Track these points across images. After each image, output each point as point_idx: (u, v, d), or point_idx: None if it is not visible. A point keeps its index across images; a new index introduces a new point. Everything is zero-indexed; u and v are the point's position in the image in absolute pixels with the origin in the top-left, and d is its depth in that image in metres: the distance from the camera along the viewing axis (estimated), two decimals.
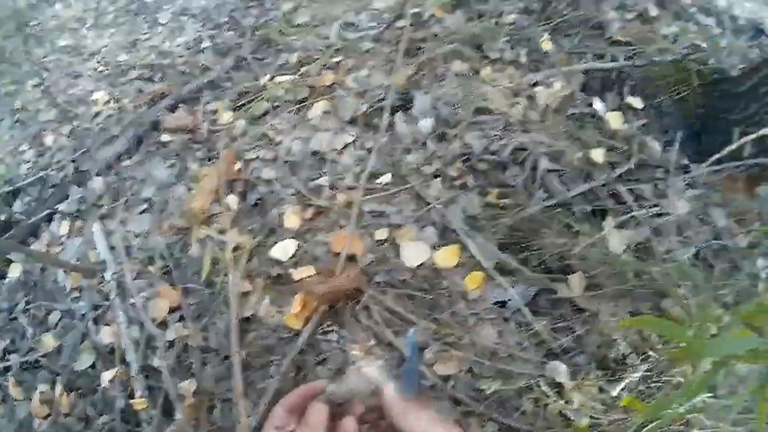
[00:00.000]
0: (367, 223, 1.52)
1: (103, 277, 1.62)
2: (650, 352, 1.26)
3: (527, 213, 1.52)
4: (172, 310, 1.50)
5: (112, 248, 1.66)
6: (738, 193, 1.71)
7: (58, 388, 1.56)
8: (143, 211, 1.70)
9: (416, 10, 2.03)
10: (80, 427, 1.50)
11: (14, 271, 1.84)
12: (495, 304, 1.39)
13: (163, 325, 1.49)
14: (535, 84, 1.82)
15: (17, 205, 2.02)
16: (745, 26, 2.35)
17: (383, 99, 1.73)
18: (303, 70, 1.88)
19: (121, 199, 1.75)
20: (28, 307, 1.76)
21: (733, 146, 1.57)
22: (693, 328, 1.09)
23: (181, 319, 1.48)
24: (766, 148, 1.63)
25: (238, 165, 1.66)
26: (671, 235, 1.52)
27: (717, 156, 1.60)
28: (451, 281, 1.42)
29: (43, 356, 1.64)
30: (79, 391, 1.55)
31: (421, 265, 1.44)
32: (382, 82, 1.78)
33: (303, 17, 2.20)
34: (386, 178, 1.59)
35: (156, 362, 1.44)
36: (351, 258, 1.46)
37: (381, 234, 1.49)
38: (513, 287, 1.39)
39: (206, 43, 2.30)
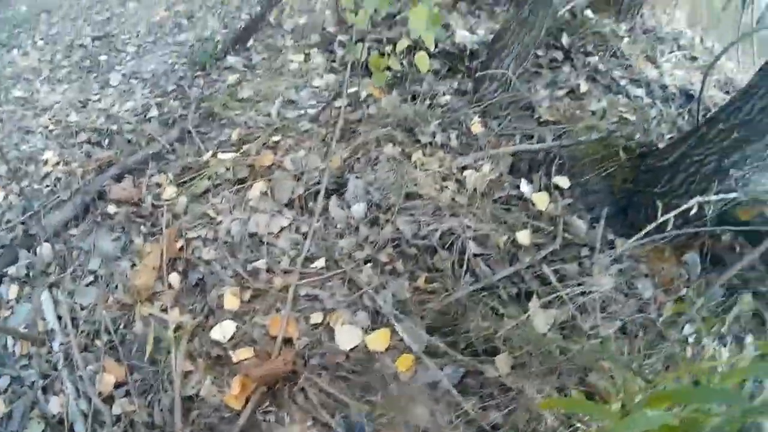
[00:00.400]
0: (303, 306, 1.68)
1: (51, 346, 1.74)
2: (578, 425, 1.35)
3: (455, 297, 1.64)
4: (118, 385, 1.62)
5: (59, 318, 1.77)
6: (665, 262, 1.83)
7: None
8: (90, 284, 1.83)
9: (354, 89, 2.19)
10: None
11: None
12: (425, 385, 1.51)
13: (110, 399, 1.60)
14: (464, 168, 1.99)
15: None
16: (675, 94, 2.54)
17: (318, 182, 1.89)
18: (244, 148, 2.03)
19: (68, 268, 1.87)
20: None
21: (659, 221, 1.65)
22: (618, 402, 1.26)
23: (127, 394, 1.60)
24: (691, 219, 1.72)
25: (180, 243, 1.81)
26: (596, 311, 1.62)
27: (642, 232, 1.70)
28: (383, 364, 1.56)
29: None
30: None
31: (354, 348, 1.58)
32: (317, 164, 1.95)
33: (246, 92, 2.35)
34: (320, 262, 1.75)
35: None
36: (287, 341, 1.61)
37: (316, 318, 1.64)
38: (442, 369, 1.52)
39: (153, 112, 2.43)
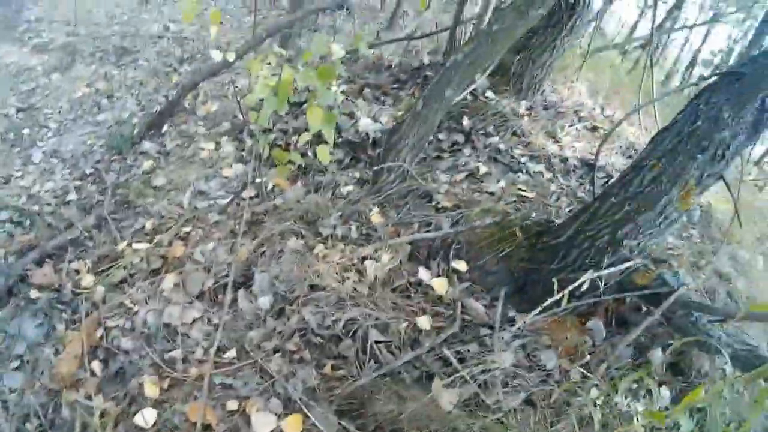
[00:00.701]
0: (218, 394, 1.82)
1: None
2: None
3: (360, 383, 1.76)
4: None
5: None
6: (567, 331, 1.93)
7: None
8: (17, 368, 2.01)
9: (261, 179, 2.42)
10: None
11: None
12: None
13: None
14: (365, 258, 2.15)
15: None
16: (576, 166, 2.68)
17: (227, 275, 2.11)
18: (157, 238, 2.26)
19: None
20: None
21: (556, 297, 1.67)
22: None
23: None
24: (587, 291, 1.75)
25: (100, 332, 2.02)
26: (497, 386, 1.73)
27: (540, 307, 1.72)
28: None
29: None
30: None
31: None
32: (225, 257, 2.19)
33: (160, 179, 2.56)
34: (232, 352, 1.93)
35: None
36: (207, 427, 1.72)
37: (231, 405, 1.77)
38: None
39: (72, 195, 2.60)
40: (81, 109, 3.32)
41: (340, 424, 1.69)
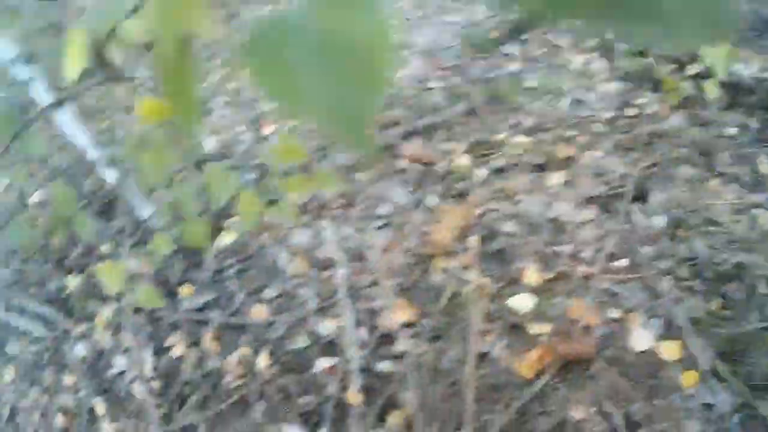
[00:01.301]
0: (602, 299, 1.64)
1: (333, 274, 1.73)
2: None
3: (743, 330, 1.58)
4: (405, 325, 1.61)
5: (344, 250, 1.78)
6: None
7: (263, 356, 1.67)
8: (381, 227, 1.82)
9: (642, 100, 2.16)
10: (278, 398, 1.60)
11: (226, 238, 1.99)
12: (702, 404, 1.47)
13: (391, 337, 1.60)
14: (755, 206, 1.88)
15: None
16: None
17: (621, 186, 1.86)
18: (538, 136, 2.01)
19: (355, 207, 1.87)
20: (240, 274, 1.90)
21: None
22: None
23: (415, 336, 1.58)
24: None
25: (479, 211, 1.79)
26: None
27: None
28: (668, 374, 1.51)
29: (250, 324, 1.76)
30: (285, 366, 1.65)
31: (644, 351, 1.54)
32: (617, 168, 1.91)
33: (531, 82, 2.35)
34: (622, 262, 1.70)
35: (380, 367, 1.56)
36: (585, 327, 1.57)
37: (613, 313, 1.60)
38: (720, 394, 1.47)
39: (434, 84, 2.46)
40: (428, 10, 3.22)
41: (716, 363, 1.51)
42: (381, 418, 1.50)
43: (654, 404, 1.46)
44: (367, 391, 1.55)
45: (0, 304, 2.13)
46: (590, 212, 1.82)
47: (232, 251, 1.98)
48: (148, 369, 1.80)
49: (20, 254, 2.52)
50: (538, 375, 1.51)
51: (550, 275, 1.68)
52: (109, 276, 1.16)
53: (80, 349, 2.05)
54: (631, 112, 2.16)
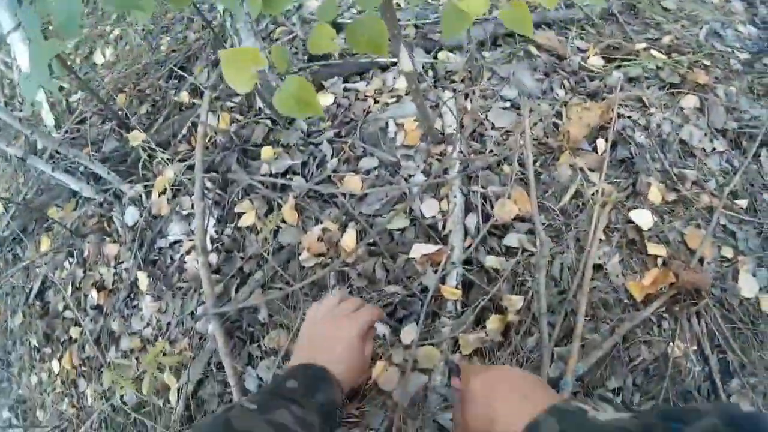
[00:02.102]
0: (719, 235, 1.57)
1: (445, 150, 1.61)
2: None
3: None
4: (518, 219, 1.51)
5: (462, 128, 1.65)
6: None
7: (349, 233, 1.55)
8: (505, 108, 1.69)
9: None
10: (362, 284, 1.49)
11: (322, 98, 1.84)
12: None
13: (504, 229, 1.50)
14: None
15: None
16: None
17: (753, 127, 1.76)
18: (673, 56, 1.86)
19: (481, 82, 1.73)
20: (336, 138, 1.75)
21: None
22: None
23: (529, 233, 1.49)
24: None
25: (611, 116, 1.66)
26: None
27: None
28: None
29: (339, 196, 1.62)
30: (376, 248, 1.52)
31: (749, 299, 1.49)
32: (749, 107, 1.80)
33: (671, 4, 2.18)
34: (743, 203, 1.62)
35: (487, 262, 1.46)
36: (700, 260, 1.51)
37: (727, 252, 1.54)
38: None
39: None
40: None
41: None
42: (479, 321, 1.41)
43: (750, 355, 1.43)
44: (468, 287, 1.47)
45: (48, 163, 1.96)
46: (720, 144, 1.72)
47: (328, 114, 1.83)
48: (207, 239, 1.66)
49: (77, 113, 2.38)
50: (648, 300, 1.45)
51: (673, 197, 1.60)
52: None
53: (131, 215, 1.94)
54: (767, 60, 2.01)
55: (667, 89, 1.79)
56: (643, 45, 1.90)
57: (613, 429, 0.73)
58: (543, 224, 1.49)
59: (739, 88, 1.85)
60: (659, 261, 1.49)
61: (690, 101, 1.77)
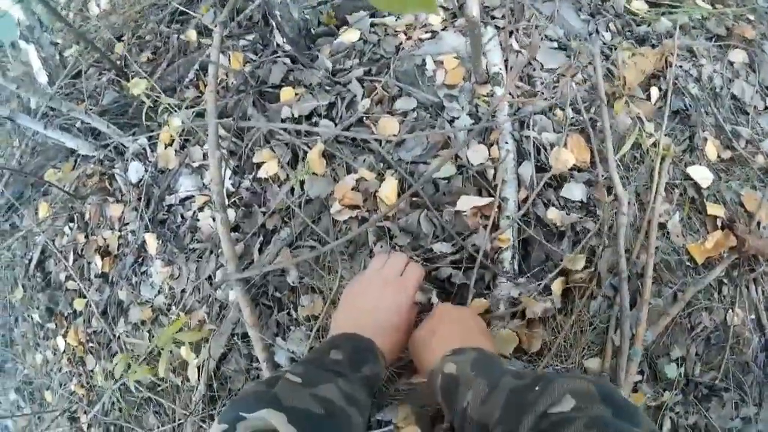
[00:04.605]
0: None
1: (492, 91, 1.43)
2: None
3: None
4: (575, 169, 1.35)
5: (507, 65, 1.46)
6: None
7: (388, 183, 1.35)
8: (554, 48, 1.52)
9: None
10: (404, 240, 1.30)
11: (349, 35, 1.62)
12: None
13: (561, 179, 1.34)
14: None
15: None
16: None
17: None
18: (718, 7, 1.73)
19: (520, 22, 1.54)
20: (366, 77, 1.53)
21: None
22: None
23: (588, 184, 1.33)
24: None
25: (662, 64, 1.52)
26: None
27: None
28: None
29: (374, 141, 1.41)
30: (418, 198, 1.33)
31: None
32: None
33: None
34: None
35: (549, 215, 1.29)
36: (757, 224, 1.39)
37: None
38: None
39: None
40: None
41: None
42: (540, 284, 1.25)
43: None
44: (526, 245, 1.31)
45: (40, 121, 1.71)
46: None
47: (355, 51, 1.61)
48: (224, 192, 1.42)
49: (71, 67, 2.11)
50: (709, 264, 1.34)
51: (728, 155, 1.48)
52: None
53: (135, 170, 1.71)
54: None
55: (715, 41, 1.65)
56: None
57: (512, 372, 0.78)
58: (603, 176, 1.34)
59: None
60: (719, 222, 1.37)
61: (738, 56, 1.63)
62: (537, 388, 0.68)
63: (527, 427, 0.63)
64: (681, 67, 1.55)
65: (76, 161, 1.91)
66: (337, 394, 0.79)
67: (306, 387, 0.78)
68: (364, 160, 1.41)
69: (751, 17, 1.76)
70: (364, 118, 1.46)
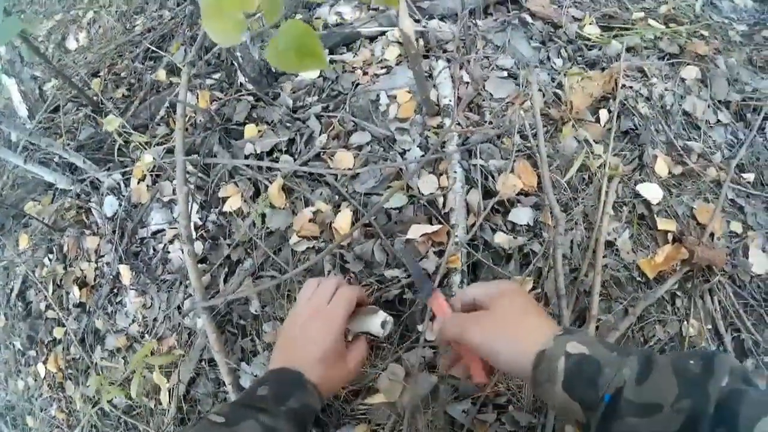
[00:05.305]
0: (728, 209, 1.47)
1: (442, 122, 1.47)
2: None
3: None
4: (523, 193, 1.38)
5: (459, 99, 1.51)
6: None
7: (343, 214, 1.40)
8: (503, 78, 1.55)
9: None
10: (359, 267, 1.34)
11: (309, 73, 1.68)
12: None
13: (509, 204, 1.37)
14: None
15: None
16: None
17: (756, 99, 1.65)
18: (671, 26, 1.76)
19: (471, 53, 1.59)
20: (324, 113, 1.60)
21: None
22: None
23: (535, 207, 1.36)
24: None
25: (612, 86, 1.55)
26: None
27: None
28: None
29: (330, 174, 1.47)
30: (372, 228, 1.37)
31: (760, 275, 1.40)
32: (750, 81, 1.70)
33: None
34: (750, 176, 1.53)
35: (496, 239, 1.33)
36: (710, 236, 1.41)
37: (735, 226, 1.45)
38: None
39: None
40: None
41: None
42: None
43: (764, 333, 1.35)
44: (475, 269, 1.34)
45: (20, 155, 1.78)
46: (723, 116, 1.62)
47: (314, 88, 1.68)
48: (191, 226, 1.49)
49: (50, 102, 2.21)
50: (660, 277, 1.36)
51: (680, 170, 1.50)
52: None
53: (109, 204, 1.78)
54: (766, 33, 1.90)
55: (667, 59, 1.68)
56: (640, 14, 1.79)
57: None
58: (549, 200, 1.36)
59: (739, 59, 1.75)
60: (669, 237, 1.39)
61: (691, 72, 1.66)
62: (696, 366, 0.65)
63: (714, 399, 0.60)
64: (631, 87, 1.59)
65: (54, 195, 1.97)
66: (258, 430, 0.80)
67: (228, 426, 0.79)
68: (321, 193, 1.46)
69: (705, 33, 1.79)
70: (322, 152, 1.53)
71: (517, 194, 1.38)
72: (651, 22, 1.76)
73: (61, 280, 1.85)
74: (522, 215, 1.35)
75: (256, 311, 1.40)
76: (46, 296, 1.88)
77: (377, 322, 1.07)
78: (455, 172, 1.39)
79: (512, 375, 1.11)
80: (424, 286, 1.06)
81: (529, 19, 1.70)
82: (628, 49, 1.66)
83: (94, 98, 2.03)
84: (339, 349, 0.99)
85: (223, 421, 0.80)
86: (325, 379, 0.96)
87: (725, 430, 0.58)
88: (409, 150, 1.47)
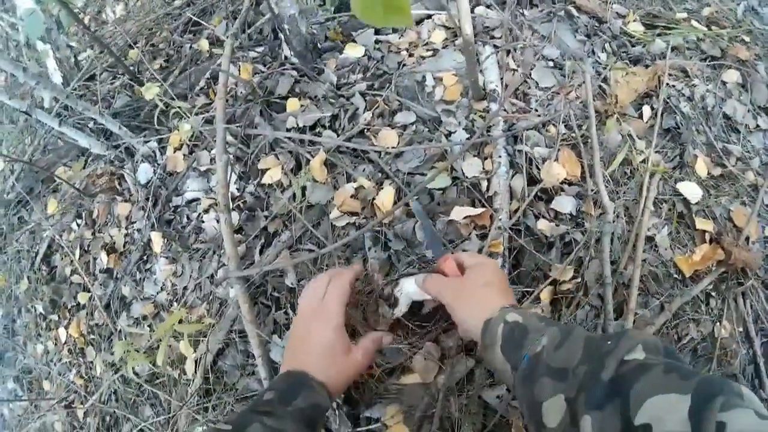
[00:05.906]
0: (764, 214, 1.48)
1: (488, 107, 1.47)
2: None
3: None
4: (566, 182, 1.38)
5: (506, 85, 1.50)
6: None
7: (386, 191, 1.39)
8: (549, 67, 1.56)
9: None
10: (398, 246, 1.33)
11: (354, 51, 1.68)
12: None
13: (552, 192, 1.37)
14: None
15: None
16: None
17: None
18: (714, 29, 1.76)
19: (518, 41, 1.59)
20: (369, 91, 1.59)
21: None
22: None
23: (578, 196, 1.36)
24: None
25: (656, 83, 1.55)
26: None
27: None
28: None
29: (374, 151, 1.45)
30: (410, 209, 1.36)
31: None
32: None
33: None
34: None
35: (538, 226, 1.33)
36: (746, 239, 1.42)
37: None
38: None
39: None
40: None
41: None
42: (529, 292, 1.28)
43: None
44: (516, 254, 1.34)
45: (54, 118, 1.76)
46: (763, 121, 1.62)
47: (359, 66, 1.67)
48: (229, 195, 1.45)
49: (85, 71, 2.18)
50: (696, 276, 1.37)
51: (718, 172, 1.51)
52: None
53: (144, 172, 1.77)
54: None
55: (709, 61, 1.69)
56: (684, 15, 1.79)
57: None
58: (592, 190, 1.37)
59: None
60: (707, 236, 1.40)
61: (732, 76, 1.67)
62: (610, 341, 0.70)
63: (611, 369, 0.65)
64: (674, 86, 1.59)
65: (86, 160, 1.96)
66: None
67: None
68: (364, 170, 1.46)
69: (747, 38, 1.79)
70: (366, 130, 1.52)
71: (561, 183, 1.38)
72: (694, 23, 1.77)
73: (88, 245, 1.85)
74: (566, 203, 1.35)
75: (291, 284, 1.39)
76: (72, 261, 1.87)
77: (411, 281, 1.15)
78: (500, 156, 1.39)
79: (467, 338, 1.16)
80: (434, 246, 1.17)
81: (574, 12, 1.70)
82: (672, 49, 1.67)
83: (131, 68, 2.01)
84: (341, 342, 1.01)
85: (230, 428, 0.82)
86: (331, 375, 0.97)
87: (620, 401, 0.60)
88: (454, 132, 1.46)
